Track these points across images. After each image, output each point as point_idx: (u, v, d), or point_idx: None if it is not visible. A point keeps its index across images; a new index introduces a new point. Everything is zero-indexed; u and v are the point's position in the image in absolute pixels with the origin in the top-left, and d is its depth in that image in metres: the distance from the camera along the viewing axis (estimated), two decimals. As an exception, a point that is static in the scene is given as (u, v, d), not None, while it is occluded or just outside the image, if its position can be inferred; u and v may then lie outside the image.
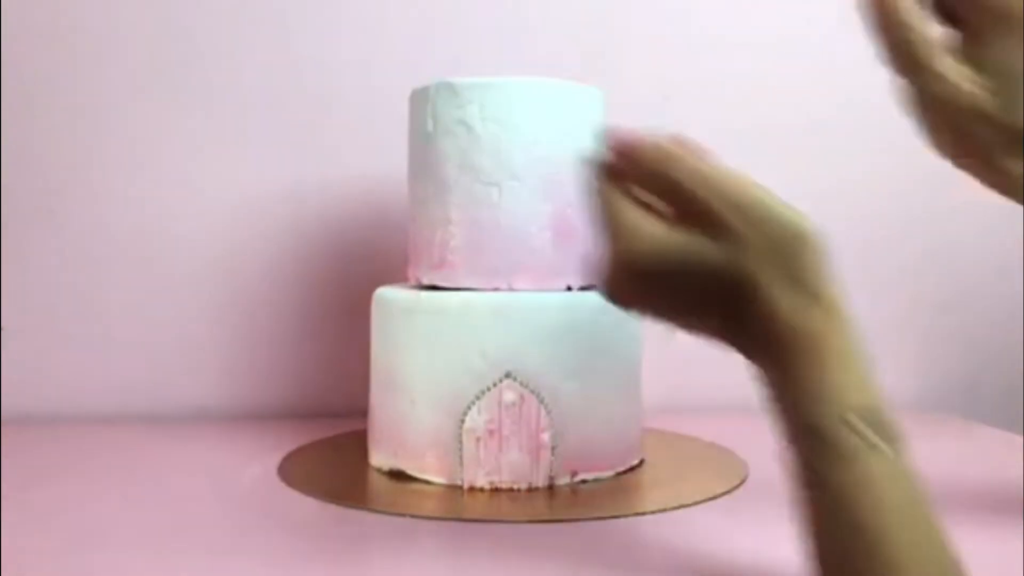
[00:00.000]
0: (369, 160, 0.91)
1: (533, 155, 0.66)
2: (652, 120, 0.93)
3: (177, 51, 0.90)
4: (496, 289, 0.66)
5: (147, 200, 0.90)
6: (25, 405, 0.88)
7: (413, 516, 0.59)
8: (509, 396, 0.63)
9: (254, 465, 0.71)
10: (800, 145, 0.97)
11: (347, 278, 0.91)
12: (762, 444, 0.79)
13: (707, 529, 0.59)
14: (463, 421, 0.63)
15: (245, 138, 0.91)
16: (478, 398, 0.63)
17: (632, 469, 0.70)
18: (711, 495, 0.64)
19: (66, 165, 0.89)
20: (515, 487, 0.63)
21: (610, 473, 0.67)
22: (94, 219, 0.90)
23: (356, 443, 0.75)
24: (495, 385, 0.63)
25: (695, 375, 0.96)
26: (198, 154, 0.91)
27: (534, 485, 0.64)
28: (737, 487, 0.67)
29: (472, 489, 0.64)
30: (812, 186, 0.96)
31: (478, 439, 0.63)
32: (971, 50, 0.44)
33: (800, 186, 0.95)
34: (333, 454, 0.76)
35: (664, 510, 0.62)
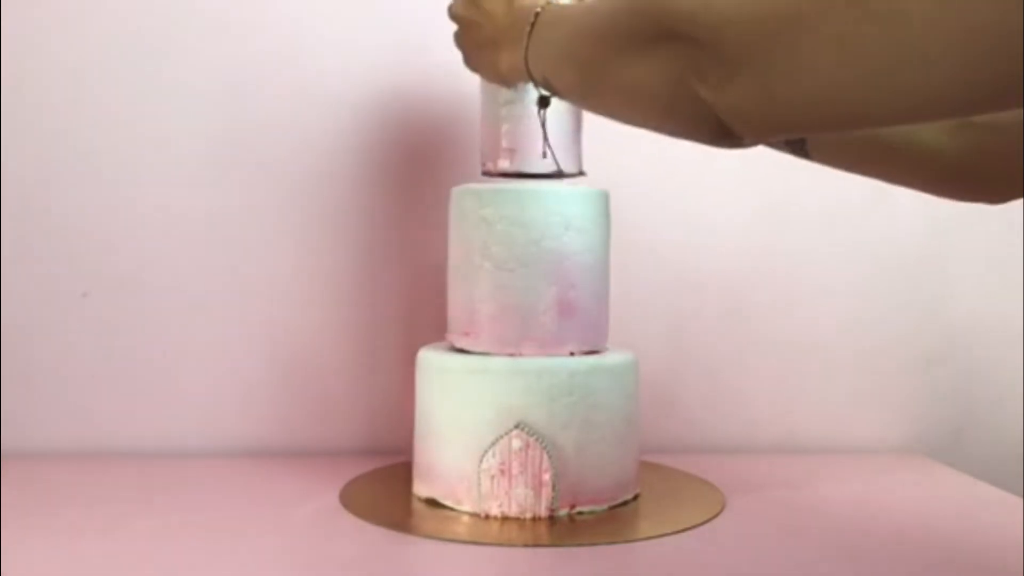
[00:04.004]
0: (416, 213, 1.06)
1: (540, 247, 0.82)
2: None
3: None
4: (510, 355, 0.82)
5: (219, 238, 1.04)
6: (103, 442, 1.02)
7: (443, 540, 0.75)
8: (516, 443, 0.78)
9: (321, 491, 0.88)
10: (793, 203, 1.09)
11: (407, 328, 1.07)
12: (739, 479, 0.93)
13: (690, 554, 0.73)
14: (481, 462, 0.79)
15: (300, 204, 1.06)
16: (493, 444, 0.79)
17: (626, 503, 0.85)
18: (692, 524, 0.79)
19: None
20: (522, 516, 0.79)
21: (604, 506, 0.82)
22: (156, 266, 1.03)
23: (404, 474, 0.91)
24: (507, 434, 0.79)
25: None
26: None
27: (537, 515, 0.79)
28: (714, 517, 0.82)
29: (488, 517, 0.79)
30: (808, 246, 1.10)
31: (492, 477, 0.79)
32: None
33: (797, 245, 1.09)
34: (385, 483, 0.92)
35: (649, 538, 0.76)
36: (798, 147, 0.68)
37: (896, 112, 0.44)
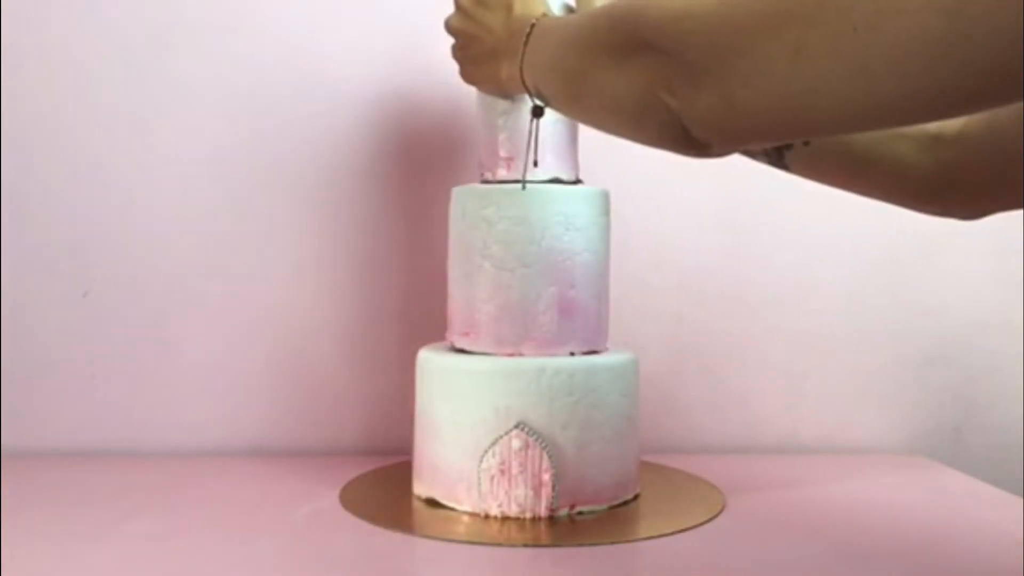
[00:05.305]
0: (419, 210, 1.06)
1: (541, 247, 0.82)
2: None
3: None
4: (510, 355, 0.82)
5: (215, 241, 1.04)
6: (103, 442, 1.02)
7: (443, 540, 0.75)
8: (516, 443, 0.78)
9: (321, 491, 0.88)
10: (793, 203, 1.09)
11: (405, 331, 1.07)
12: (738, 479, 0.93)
13: (690, 554, 0.73)
14: (481, 462, 0.79)
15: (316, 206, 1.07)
16: (493, 444, 0.79)
17: (626, 503, 0.85)
18: (692, 524, 0.79)
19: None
20: (522, 516, 0.79)
21: (604, 506, 0.82)
22: (156, 266, 1.03)
23: (404, 474, 0.91)
24: (507, 434, 0.79)
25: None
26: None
27: (537, 515, 0.79)
28: (715, 517, 0.82)
29: (488, 516, 0.79)
30: (807, 246, 1.10)
31: (492, 477, 0.79)
32: None
33: (797, 245, 1.09)
34: (385, 483, 0.92)
35: (649, 538, 0.76)
36: (776, 159, 0.69)
37: (846, 120, 0.45)
